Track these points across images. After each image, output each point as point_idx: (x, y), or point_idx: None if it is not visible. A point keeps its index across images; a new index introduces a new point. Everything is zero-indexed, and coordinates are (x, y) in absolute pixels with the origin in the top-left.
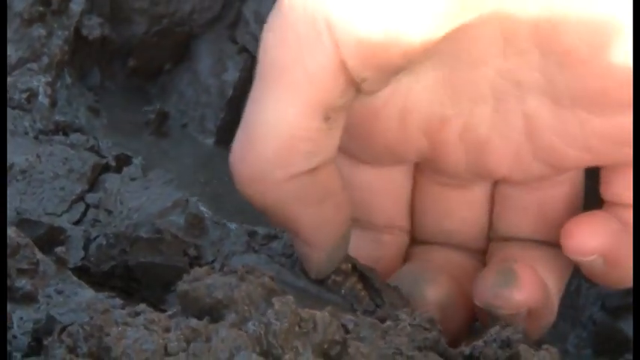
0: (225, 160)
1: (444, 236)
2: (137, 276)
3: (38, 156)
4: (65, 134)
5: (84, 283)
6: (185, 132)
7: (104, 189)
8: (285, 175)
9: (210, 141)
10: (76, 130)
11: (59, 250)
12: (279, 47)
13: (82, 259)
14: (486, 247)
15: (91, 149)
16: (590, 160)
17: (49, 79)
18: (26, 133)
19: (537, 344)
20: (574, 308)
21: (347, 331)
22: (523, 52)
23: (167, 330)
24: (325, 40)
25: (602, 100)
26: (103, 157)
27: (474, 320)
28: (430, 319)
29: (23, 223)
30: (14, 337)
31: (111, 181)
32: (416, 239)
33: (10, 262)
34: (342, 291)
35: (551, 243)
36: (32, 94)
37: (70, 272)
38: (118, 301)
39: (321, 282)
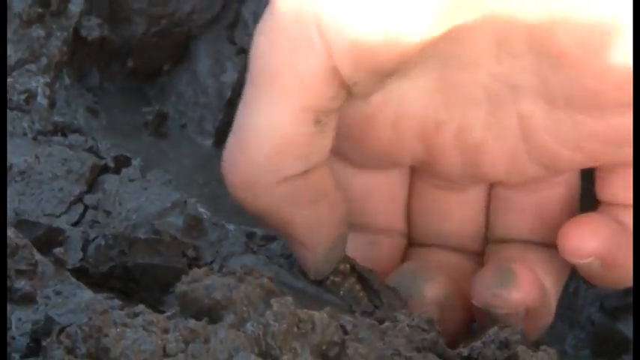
0: None
1: (441, 238)
2: (136, 277)
3: (37, 157)
4: (64, 135)
5: (82, 284)
6: (184, 133)
7: (103, 190)
8: (277, 179)
9: (208, 142)
10: (75, 131)
11: (58, 251)
12: (270, 51)
13: (81, 260)
14: (483, 249)
15: (90, 150)
16: (585, 161)
17: (48, 80)
18: (25, 134)
19: (535, 345)
20: (572, 309)
21: (345, 332)
22: (517, 55)
23: (166, 331)
24: (317, 44)
25: (596, 101)
26: (102, 158)
27: (472, 321)
28: (429, 320)
29: (22, 224)
30: (13, 338)
31: (110, 182)
32: (413, 242)
33: (8, 263)
34: (341, 292)
35: (549, 244)
36: (31, 95)
37: (68, 273)
38: (117, 302)
39: (319, 283)
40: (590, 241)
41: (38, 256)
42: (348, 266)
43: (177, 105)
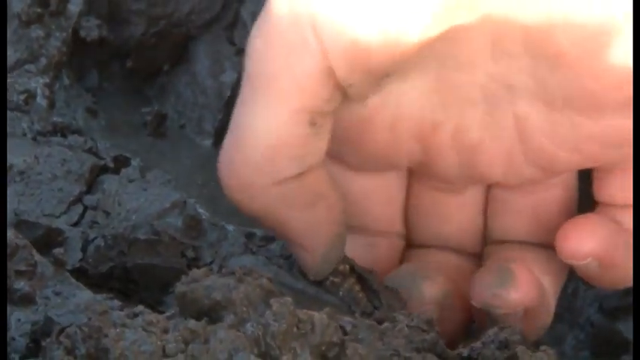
0: None
1: (439, 240)
2: (135, 277)
3: (36, 157)
4: (63, 135)
5: (82, 284)
6: (183, 133)
7: (102, 190)
8: (273, 180)
9: (207, 142)
10: (74, 132)
11: (57, 251)
12: (266, 53)
13: (80, 260)
14: (482, 251)
15: (89, 150)
16: (581, 162)
17: (47, 81)
18: (24, 135)
19: (535, 346)
20: (572, 310)
21: (345, 333)
22: (513, 56)
23: (165, 331)
24: (312, 46)
25: (594, 102)
26: (101, 158)
27: (471, 322)
28: (428, 321)
29: (21, 225)
30: (12, 338)
31: (109, 182)
32: (411, 243)
33: (8, 264)
34: (340, 292)
35: (546, 245)
36: (30, 96)
37: (68, 274)
38: (116, 302)
39: (319, 283)
40: (587, 243)
41: (37, 257)
42: (347, 267)
43: (176, 105)
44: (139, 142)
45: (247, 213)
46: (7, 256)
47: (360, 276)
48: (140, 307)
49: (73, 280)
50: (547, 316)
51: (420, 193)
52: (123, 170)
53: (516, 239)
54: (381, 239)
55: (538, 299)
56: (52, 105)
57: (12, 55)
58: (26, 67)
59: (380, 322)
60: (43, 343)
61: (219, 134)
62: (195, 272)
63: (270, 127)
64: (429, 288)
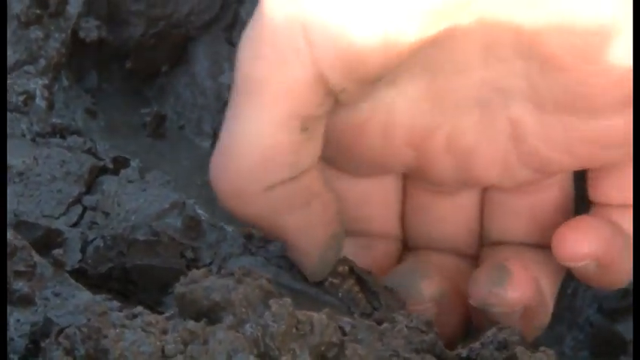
0: None
1: (436, 242)
2: (134, 278)
3: (35, 158)
4: (62, 137)
5: (81, 285)
6: (182, 134)
7: (101, 191)
8: (265, 186)
9: (207, 143)
10: (73, 133)
11: (56, 252)
12: (256, 59)
13: (80, 261)
14: (478, 253)
15: (89, 151)
16: (575, 164)
17: (46, 82)
18: (23, 136)
19: (534, 346)
20: (571, 310)
21: (344, 334)
22: (505, 60)
23: (164, 332)
24: (303, 53)
25: (585, 104)
26: (101, 159)
27: (469, 321)
28: (427, 322)
29: (20, 226)
30: (11, 339)
31: (108, 183)
32: (408, 246)
33: (7, 265)
34: (340, 293)
35: (543, 245)
36: (29, 97)
37: (67, 274)
38: (116, 303)
39: (318, 284)
40: (584, 245)
41: (37, 258)
42: (346, 268)
43: (175, 106)
44: (138, 143)
45: (241, 219)
46: (7, 256)
47: (360, 277)
48: (139, 308)
49: (73, 281)
50: (545, 315)
51: (416, 196)
52: (122, 171)
53: (513, 240)
54: (378, 242)
55: (535, 298)
56: (51, 106)
57: (11, 56)
58: (25, 68)
59: (379, 322)
60: (43, 344)
61: (219, 135)
62: (195, 273)
63: (260, 133)
64: (427, 286)
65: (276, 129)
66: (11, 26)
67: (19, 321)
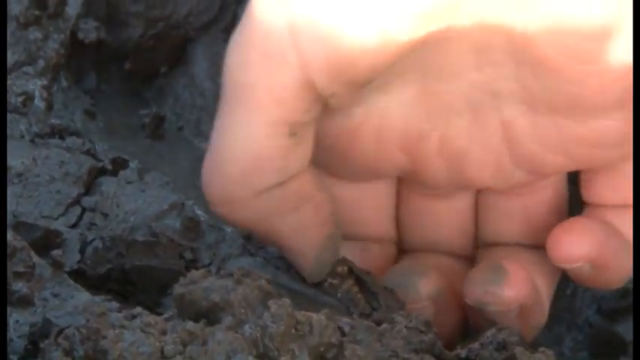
0: None
1: (431, 245)
2: (133, 279)
3: (34, 159)
4: (61, 138)
5: (80, 286)
6: (181, 135)
7: (100, 192)
8: (254, 192)
9: (206, 144)
10: (72, 134)
11: (55, 253)
12: (243, 65)
13: (79, 262)
14: (474, 254)
15: (87, 152)
16: (569, 165)
17: (45, 83)
18: (22, 137)
19: (533, 347)
20: (570, 311)
21: (343, 334)
22: (497, 63)
23: (163, 333)
24: (291, 59)
25: (578, 105)
26: (99, 160)
27: (466, 321)
28: (426, 322)
29: (19, 227)
30: (10, 340)
31: (107, 184)
32: (404, 248)
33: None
34: (339, 294)
35: (539, 246)
36: (28, 98)
37: (66, 275)
38: (115, 304)
39: (317, 285)
40: (579, 246)
41: (36, 259)
42: (345, 268)
43: (174, 107)
44: (137, 144)
45: (233, 224)
46: (6, 257)
47: (359, 277)
48: (138, 309)
49: (72, 282)
50: (541, 315)
51: (410, 199)
52: (121, 172)
53: (508, 241)
54: (374, 245)
55: (531, 297)
56: (49, 107)
57: (10, 57)
58: (24, 69)
59: (378, 323)
60: (42, 345)
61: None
62: (194, 274)
63: (249, 139)
64: (424, 285)
65: (264, 135)
66: (10, 27)
67: (18, 322)
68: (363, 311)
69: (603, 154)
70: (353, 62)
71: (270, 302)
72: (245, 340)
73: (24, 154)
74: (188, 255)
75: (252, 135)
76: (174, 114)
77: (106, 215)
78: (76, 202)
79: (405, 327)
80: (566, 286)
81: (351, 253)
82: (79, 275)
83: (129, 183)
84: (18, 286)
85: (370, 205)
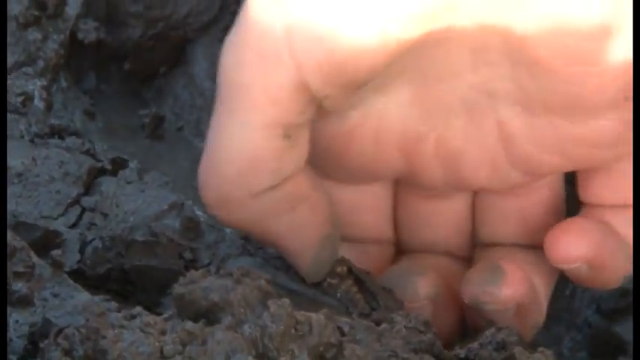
0: None
1: (429, 246)
2: (133, 279)
3: (34, 159)
4: (61, 138)
5: (80, 286)
6: (180, 135)
7: (100, 192)
8: (250, 194)
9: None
10: (72, 134)
11: (55, 253)
12: (238, 67)
13: (78, 262)
14: (471, 254)
15: (87, 152)
16: (566, 165)
17: (45, 83)
18: (22, 137)
19: (532, 347)
20: (569, 311)
21: (343, 334)
22: (493, 64)
23: (163, 333)
24: (285, 60)
25: (574, 106)
26: (99, 160)
27: (464, 322)
28: (425, 322)
29: (19, 227)
30: (10, 340)
31: (107, 184)
32: (402, 249)
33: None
34: (338, 294)
35: (536, 246)
36: (28, 98)
37: (65, 275)
38: (114, 304)
39: (316, 285)
40: (576, 247)
41: (35, 259)
42: (344, 268)
43: (173, 107)
44: (136, 144)
45: (229, 226)
46: (6, 257)
47: (358, 277)
48: (138, 309)
49: (71, 282)
50: (539, 314)
51: (407, 201)
52: (120, 172)
53: (505, 242)
54: (372, 247)
55: (528, 296)
56: (49, 107)
57: (9, 58)
58: (24, 69)
59: (377, 323)
60: (41, 345)
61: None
62: (193, 274)
63: (243, 141)
64: (423, 284)
65: (259, 137)
66: (10, 27)
67: (17, 322)
68: (363, 311)
69: (599, 154)
70: (348, 64)
71: (270, 302)
72: (244, 340)
73: (23, 154)
74: (187, 255)
75: (247, 136)
76: (174, 114)
77: (105, 215)
78: (76, 202)
79: (404, 327)
80: (565, 286)
81: (349, 254)
82: (78, 275)
83: (128, 183)
84: (18, 286)
85: (367, 207)
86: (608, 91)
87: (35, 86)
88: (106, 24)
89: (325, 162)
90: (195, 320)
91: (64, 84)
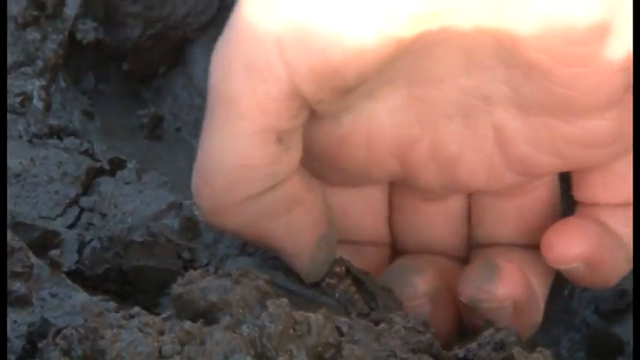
0: None
1: (425, 247)
2: (131, 279)
3: (32, 160)
4: (59, 138)
5: (78, 286)
6: (179, 135)
7: (98, 192)
8: (243, 200)
9: None
10: (70, 134)
11: (53, 253)
12: (228, 75)
13: (77, 262)
14: (467, 256)
15: (85, 153)
16: (562, 165)
17: (44, 83)
18: (20, 137)
19: (531, 347)
20: (567, 312)
21: (341, 334)
22: (487, 68)
23: (161, 333)
24: (277, 68)
25: (569, 107)
26: (97, 160)
27: (462, 322)
28: (424, 322)
29: (17, 227)
30: (8, 340)
31: (105, 184)
32: (398, 251)
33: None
34: (336, 294)
35: (532, 246)
36: (26, 98)
37: (64, 275)
38: (113, 304)
39: (315, 285)
40: (573, 248)
41: (34, 259)
42: (343, 268)
43: (172, 108)
44: (135, 145)
45: (223, 231)
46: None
47: (356, 277)
48: (136, 309)
49: (69, 282)
50: (536, 313)
51: (403, 204)
52: (119, 172)
53: (501, 242)
54: (368, 248)
55: (525, 294)
56: (48, 107)
57: (8, 58)
58: (22, 69)
59: (376, 323)
60: (40, 345)
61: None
62: (192, 274)
63: (235, 148)
64: (421, 282)
65: (250, 144)
66: (9, 28)
67: (16, 322)
68: (361, 311)
69: (595, 154)
70: (339, 69)
71: (268, 302)
72: (243, 340)
73: (22, 154)
74: (186, 255)
75: (238, 143)
76: (173, 114)
77: (104, 215)
78: (74, 202)
79: (403, 327)
80: (564, 286)
81: (345, 256)
82: (76, 275)
83: (127, 183)
84: (16, 286)
85: (363, 210)
86: (601, 91)
87: (34, 86)
88: (104, 24)
89: (320, 165)
90: (193, 320)
91: (62, 84)
